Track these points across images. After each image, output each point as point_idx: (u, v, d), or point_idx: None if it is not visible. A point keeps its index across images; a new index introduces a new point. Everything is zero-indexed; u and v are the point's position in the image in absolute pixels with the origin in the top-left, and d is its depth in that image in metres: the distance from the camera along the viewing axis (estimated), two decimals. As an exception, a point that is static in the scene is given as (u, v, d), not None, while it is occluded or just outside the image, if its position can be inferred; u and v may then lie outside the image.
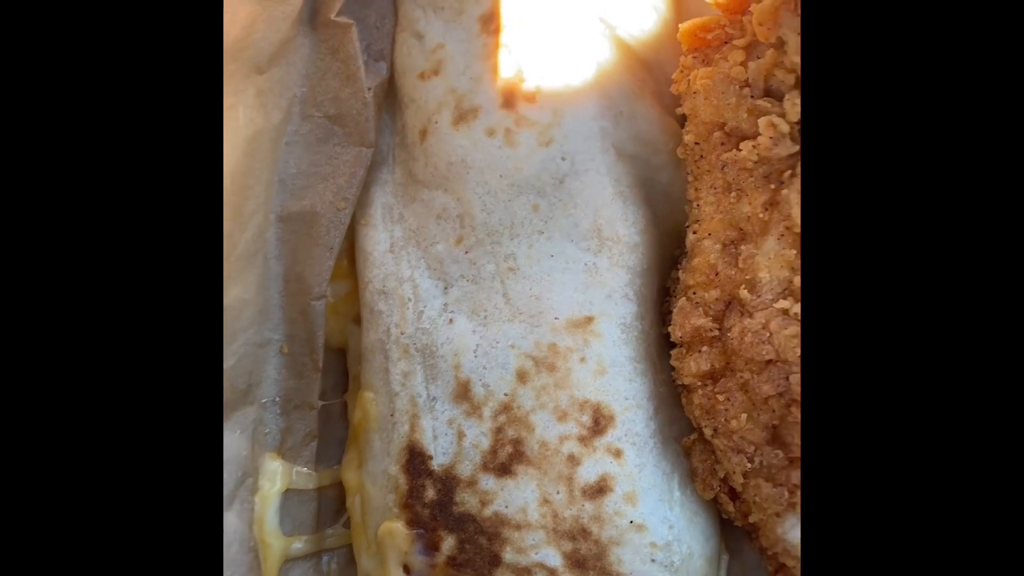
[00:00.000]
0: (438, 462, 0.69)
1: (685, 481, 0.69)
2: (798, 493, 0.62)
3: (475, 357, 0.70)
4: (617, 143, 0.70)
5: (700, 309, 0.66)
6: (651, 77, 0.72)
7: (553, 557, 0.66)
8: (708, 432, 0.66)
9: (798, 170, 0.62)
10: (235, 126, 0.70)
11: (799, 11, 0.61)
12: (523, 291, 0.70)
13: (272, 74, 0.72)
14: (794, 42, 0.61)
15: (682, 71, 0.67)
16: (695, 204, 0.68)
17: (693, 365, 0.66)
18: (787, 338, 0.61)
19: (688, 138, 0.67)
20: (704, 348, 0.65)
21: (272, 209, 0.74)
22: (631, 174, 0.70)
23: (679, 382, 0.68)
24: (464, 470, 0.69)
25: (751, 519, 0.66)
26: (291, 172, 0.74)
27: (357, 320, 0.77)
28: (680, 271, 0.69)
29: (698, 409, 0.66)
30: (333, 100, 0.74)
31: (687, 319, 0.66)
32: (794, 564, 0.64)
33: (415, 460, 0.70)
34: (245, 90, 0.70)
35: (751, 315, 0.63)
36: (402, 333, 0.72)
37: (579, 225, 0.70)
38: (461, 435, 0.69)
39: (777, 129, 0.61)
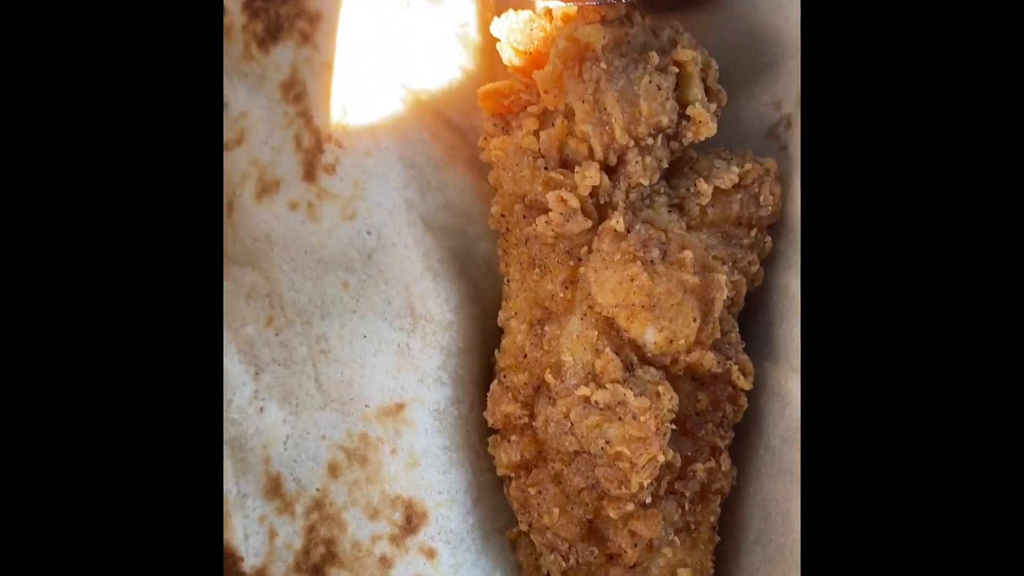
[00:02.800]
0: (249, 563, 0.67)
1: (509, 577, 0.66)
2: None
3: (285, 449, 0.67)
4: (425, 215, 0.68)
5: (510, 394, 0.63)
6: (464, 142, 0.70)
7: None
8: (524, 526, 0.63)
9: (595, 245, 0.60)
10: None
11: (583, 77, 0.59)
12: (335, 375, 0.67)
13: None
14: (582, 110, 0.59)
15: (485, 138, 0.65)
16: (506, 279, 0.65)
17: (504, 455, 0.63)
18: (589, 428, 0.58)
19: (495, 210, 0.65)
20: (515, 437, 0.63)
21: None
22: (443, 247, 0.68)
23: (497, 472, 0.65)
24: (276, 572, 0.66)
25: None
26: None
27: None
28: (496, 350, 0.66)
29: (515, 502, 0.64)
30: None
31: (498, 405, 0.64)
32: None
33: (226, 562, 0.67)
34: None
35: (555, 403, 0.60)
36: (209, 425, 0.69)
37: (392, 303, 0.68)
38: (273, 534, 0.67)
39: (567, 204, 0.59)
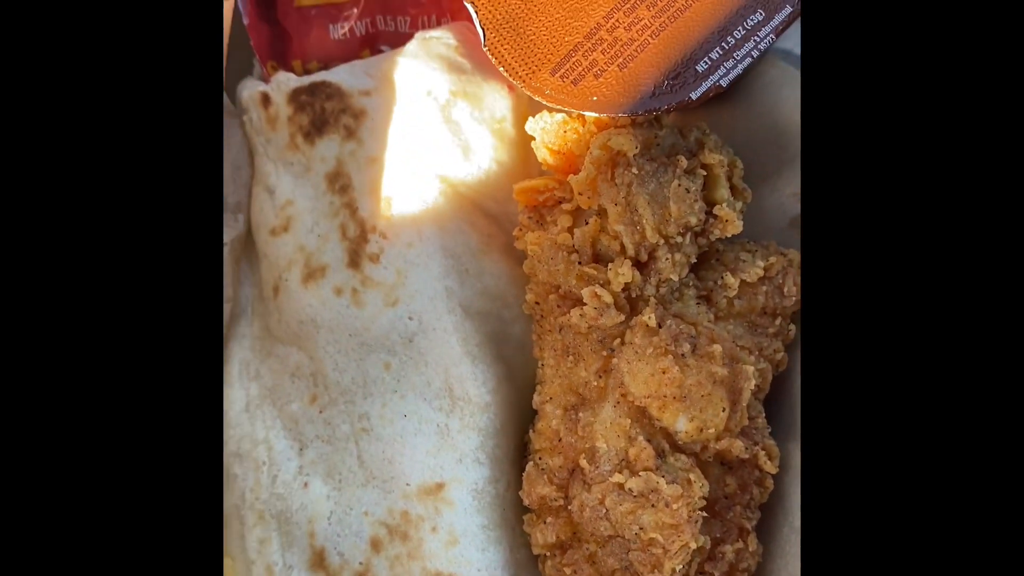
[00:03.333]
0: (295, 634, 0.70)
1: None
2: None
3: (329, 524, 0.71)
4: (464, 301, 0.71)
5: (545, 476, 0.67)
6: (499, 230, 0.74)
7: None
8: (560, 605, 0.66)
9: (628, 338, 0.63)
10: None
11: (616, 181, 0.63)
12: (377, 453, 0.71)
13: None
14: (614, 212, 0.63)
15: (520, 229, 0.69)
16: (540, 363, 0.69)
17: (540, 536, 0.67)
18: (623, 515, 0.62)
19: (529, 297, 0.69)
20: (550, 518, 0.66)
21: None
22: (480, 332, 0.72)
23: (533, 550, 0.69)
24: (321, 643, 0.69)
25: None
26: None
27: (220, 479, 0.78)
28: (531, 431, 0.70)
29: (550, 580, 0.67)
30: None
31: (534, 487, 0.67)
32: None
33: (272, 632, 0.71)
34: None
35: (589, 488, 0.64)
36: (257, 498, 0.73)
37: (431, 384, 0.71)
38: (318, 606, 0.70)
39: (601, 299, 0.63)
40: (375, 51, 0.83)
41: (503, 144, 0.74)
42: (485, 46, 0.64)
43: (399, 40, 0.81)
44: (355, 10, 0.80)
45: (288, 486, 0.72)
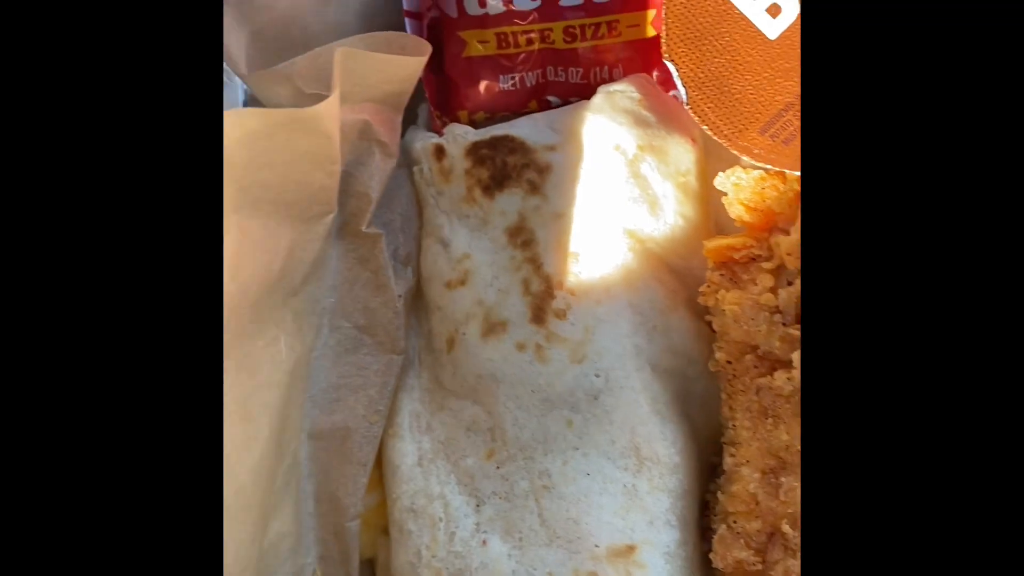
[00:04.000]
0: None
1: None
2: None
3: (512, 583, 0.70)
4: (652, 359, 0.71)
5: (742, 540, 0.66)
6: (683, 286, 0.73)
7: None
8: (757, 671, 0.65)
9: (837, 403, 0.62)
10: (278, 359, 0.70)
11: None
12: (559, 512, 0.70)
13: (305, 292, 0.74)
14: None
15: (710, 286, 0.68)
16: (730, 424, 0.68)
17: (738, 600, 0.65)
18: (834, 584, 0.60)
19: (719, 356, 0.68)
20: (748, 583, 0.65)
21: (303, 427, 0.76)
22: (668, 390, 0.71)
23: (725, 614, 0.67)
24: None
25: None
26: (321, 386, 0.76)
27: (387, 531, 0.78)
28: (720, 491, 0.69)
29: (745, 645, 0.66)
30: (363, 310, 0.76)
31: (728, 550, 0.66)
32: None
33: None
34: (284, 317, 0.71)
35: (795, 554, 0.62)
36: (433, 556, 0.73)
37: (616, 443, 0.70)
38: (502, 668, 0.70)
39: (813, 364, 0.61)
40: (542, 102, 0.83)
41: (688, 198, 0.73)
42: (688, 104, 0.64)
43: (569, 90, 0.82)
44: (527, 61, 0.80)
45: (466, 544, 0.72)
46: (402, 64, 0.70)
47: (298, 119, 0.61)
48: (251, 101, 0.76)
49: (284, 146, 0.61)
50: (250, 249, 0.62)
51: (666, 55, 0.64)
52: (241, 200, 0.59)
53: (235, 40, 0.68)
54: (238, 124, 0.56)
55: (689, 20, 0.63)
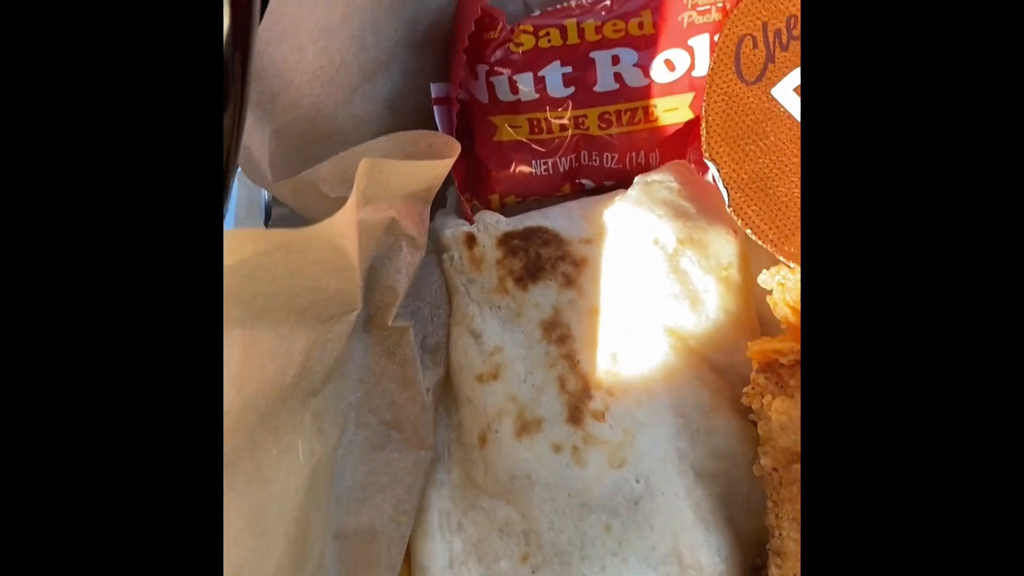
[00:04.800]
0: None
1: None
2: None
3: None
4: (695, 464, 0.68)
5: (792, 657, 0.63)
6: (726, 384, 0.71)
7: None
8: None
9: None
10: (295, 466, 0.67)
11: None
12: (598, 620, 0.68)
13: (328, 391, 0.72)
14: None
15: (755, 388, 0.66)
16: (776, 532, 0.65)
17: None
18: None
19: (765, 462, 0.65)
20: None
21: (328, 528, 0.73)
22: (712, 495, 0.68)
23: None
24: None
25: None
26: (347, 485, 0.74)
27: (417, 635, 0.76)
28: (767, 601, 0.66)
29: None
30: (390, 405, 0.74)
31: (778, 669, 0.63)
32: None
33: None
34: (302, 420, 0.69)
35: None
36: (468, 663, 0.70)
37: (656, 549, 0.68)
38: None
39: (867, 481, 0.59)
40: (575, 185, 0.81)
41: (730, 292, 0.71)
42: (729, 207, 0.62)
43: (604, 175, 0.80)
44: (560, 146, 0.79)
45: (501, 651, 0.70)
46: (429, 168, 0.69)
47: (299, 239, 0.57)
48: (274, 202, 0.74)
49: (284, 261, 0.58)
50: (258, 360, 0.60)
51: (707, 155, 0.62)
52: (243, 313, 0.57)
53: (258, 140, 0.66)
54: (231, 250, 0.52)
55: (731, 118, 0.61)
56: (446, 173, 0.69)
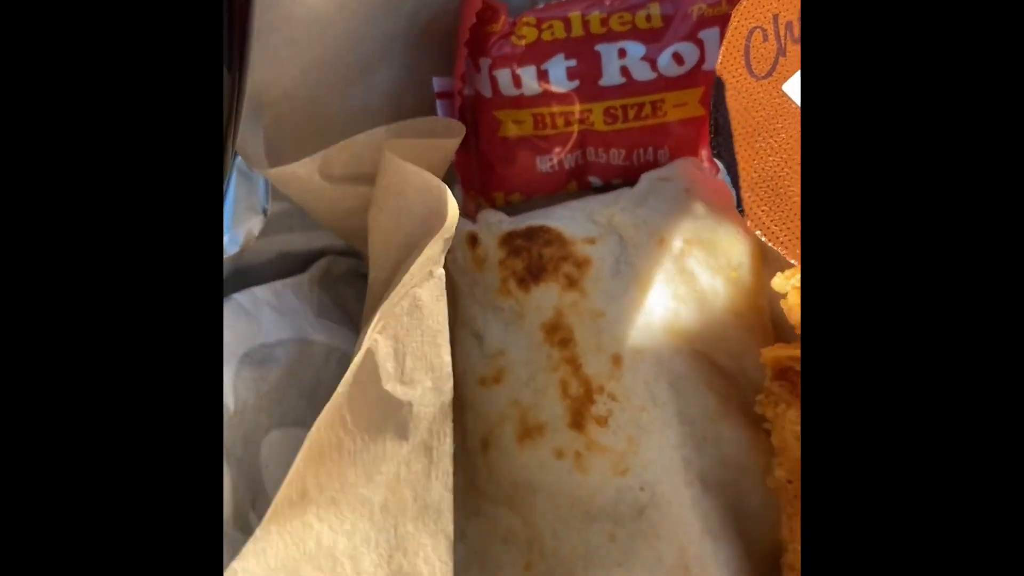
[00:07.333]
0: None
1: None
2: None
3: None
4: (702, 473, 0.67)
5: (803, 677, 0.61)
6: (735, 390, 0.69)
7: None
8: None
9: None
10: None
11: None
12: (602, 632, 0.67)
13: None
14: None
15: (768, 396, 0.64)
16: (791, 547, 0.64)
17: None
18: None
19: (779, 473, 0.64)
20: None
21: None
22: (720, 507, 0.67)
23: None
24: None
25: None
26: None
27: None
28: (779, 616, 0.64)
29: None
30: None
31: None
32: None
33: None
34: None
35: None
36: (468, 675, 0.69)
37: (663, 560, 0.67)
38: None
39: (880, 494, 0.57)
40: (583, 183, 0.80)
41: (739, 294, 0.69)
42: (739, 208, 0.60)
43: (611, 172, 0.78)
44: (565, 142, 0.77)
45: (502, 662, 0.69)
46: (438, 146, 0.67)
47: None
48: (274, 191, 0.73)
49: None
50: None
51: (715, 153, 0.60)
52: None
53: (251, 132, 0.65)
54: None
55: (741, 115, 0.60)
56: (453, 152, 0.68)
